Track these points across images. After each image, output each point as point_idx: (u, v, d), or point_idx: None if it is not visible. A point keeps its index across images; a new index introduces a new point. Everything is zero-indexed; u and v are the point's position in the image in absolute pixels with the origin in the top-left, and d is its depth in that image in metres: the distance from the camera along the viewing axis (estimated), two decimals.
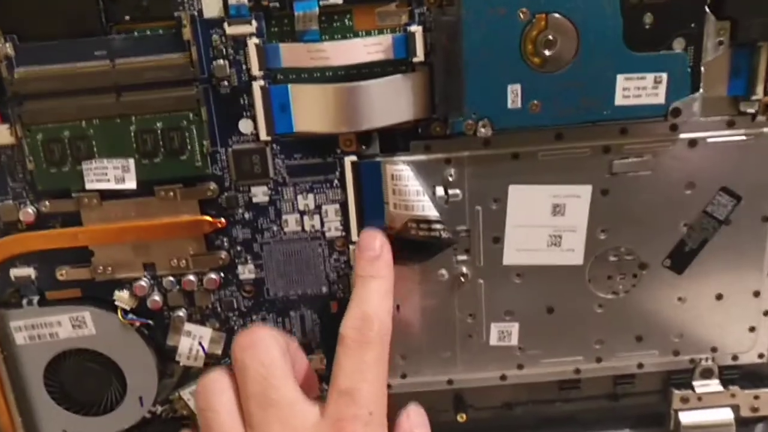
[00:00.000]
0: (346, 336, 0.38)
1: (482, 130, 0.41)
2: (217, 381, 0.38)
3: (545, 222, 0.44)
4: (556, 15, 0.39)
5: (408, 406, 0.42)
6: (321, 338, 0.45)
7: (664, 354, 0.47)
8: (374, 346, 0.38)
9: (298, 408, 0.37)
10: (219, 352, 0.45)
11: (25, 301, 0.43)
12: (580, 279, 0.45)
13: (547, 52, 0.39)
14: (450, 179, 0.43)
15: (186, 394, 0.45)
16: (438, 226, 0.42)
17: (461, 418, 0.47)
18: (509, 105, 0.41)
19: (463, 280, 0.45)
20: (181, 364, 0.45)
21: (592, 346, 0.47)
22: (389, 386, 0.46)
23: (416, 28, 0.39)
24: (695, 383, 0.48)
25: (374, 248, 0.41)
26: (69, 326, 0.44)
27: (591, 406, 0.48)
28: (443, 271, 0.45)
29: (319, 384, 0.44)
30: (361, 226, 0.43)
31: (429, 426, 0.42)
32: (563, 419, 0.49)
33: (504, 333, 0.46)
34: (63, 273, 0.43)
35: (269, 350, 0.37)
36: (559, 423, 0.49)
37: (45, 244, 0.42)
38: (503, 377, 0.47)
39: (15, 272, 0.43)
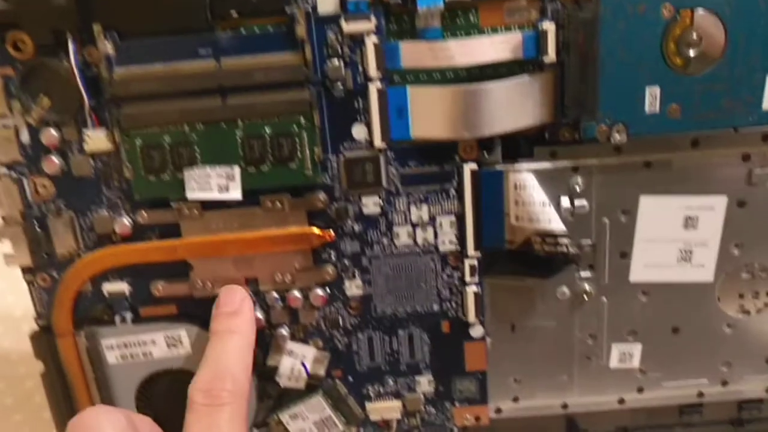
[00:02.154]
0: (194, 400, 0.32)
1: (617, 135, 0.35)
2: None
3: (676, 235, 0.38)
4: (703, 11, 0.33)
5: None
6: (430, 359, 0.39)
7: None
8: (227, 407, 0.32)
9: None
10: (322, 372, 0.39)
11: (117, 318, 0.38)
12: (710, 297, 0.39)
13: (690, 52, 0.34)
14: (576, 189, 0.37)
15: (285, 417, 0.40)
16: (565, 240, 0.36)
17: None
18: (646, 109, 0.35)
19: (585, 298, 0.39)
20: (281, 385, 0.39)
21: (718, 368, 0.41)
22: (500, 410, 0.41)
23: (549, 25, 0.34)
24: None
25: (233, 303, 0.35)
26: (164, 345, 0.38)
27: (713, 431, 0.43)
28: (564, 289, 0.39)
29: None
30: (478, 240, 0.38)
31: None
32: None
33: (625, 354, 0.40)
34: (159, 288, 0.37)
35: (103, 429, 0.31)
36: None
37: (141, 258, 0.37)
38: (621, 401, 0.41)
39: (108, 287, 0.37)
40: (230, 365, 0.33)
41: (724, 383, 0.41)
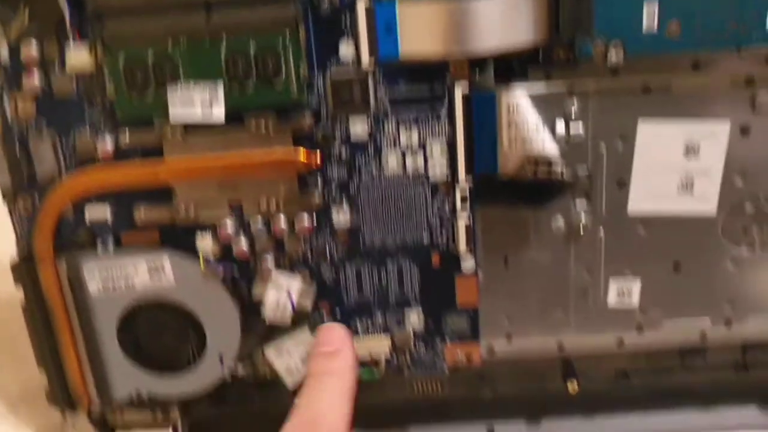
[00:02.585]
0: None
1: (613, 54, 0.34)
2: None
3: (676, 164, 0.37)
4: None
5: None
6: (420, 293, 0.38)
7: None
8: None
9: None
10: (308, 305, 0.38)
11: (99, 245, 0.37)
12: (712, 231, 0.38)
13: None
14: (572, 114, 0.36)
15: (270, 352, 0.39)
16: (559, 165, 0.35)
17: (572, 385, 0.40)
18: (644, 26, 0.34)
19: (581, 230, 0.38)
20: (266, 319, 0.38)
21: (721, 307, 0.39)
22: (492, 349, 0.40)
23: None
24: None
25: (332, 343, 0.33)
26: (146, 274, 0.38)
27: (716, 376, 0.40)
28: (559, 220, 0.38)
29: None
30: (469, 166, 0.37)
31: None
32: (684, 392, 0.41)
33: (624, 291, 0.39)
34: (141, 213, 0.37)
35: None
36: (679, 396, 0.41)
37: (122, 179, 0.36)
38: (620, 342, 0.40)
39: (90, 212, 0.37)
40: (325, 411, 0.31)
41: (728, 323, 0.39)
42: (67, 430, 0.42)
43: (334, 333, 0.34)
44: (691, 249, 0.38)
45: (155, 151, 0.36)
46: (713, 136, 0.36)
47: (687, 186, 0.37)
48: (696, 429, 0.41)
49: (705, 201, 0.37)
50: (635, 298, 0.39)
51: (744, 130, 0.36)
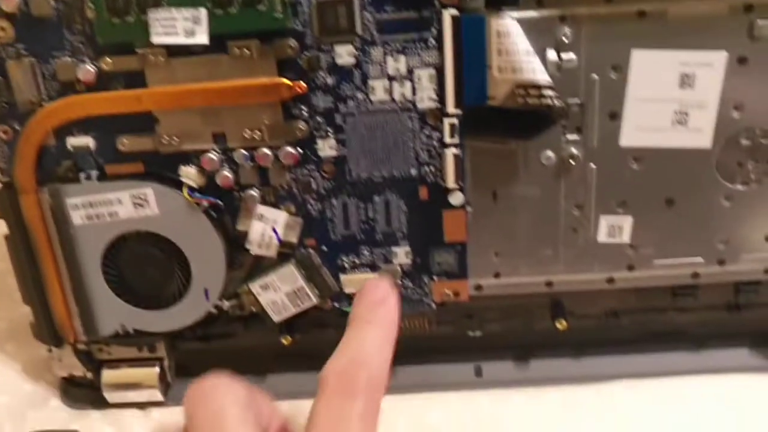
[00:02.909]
0: (327, 382, 0.29)
1: None
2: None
3: (671, 95, 0.36)
4: None
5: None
6: (408, 228, 0.37)
7: None
8: (360, 398, 0.29)
9: None
10: (294, 239, 0.37)
11: (83, 176, 0.37)
12: (707, 165, 0.37)
13: None
14: (564, 41, 0.35)
15: (256, 287, 0.38)
16: (550, 92, 0.34)
17: (560, 325, 0.40)
18: None
19: (572, 163, 0.37)
20: (252, 252, 0.37)
21: (715, 245, 0.38)
22: (480, 286, 0.40)
23: None
24: None
25: (377, 293, 0.32)
26: (130, 205, 0.37)
27: (707, 317, 0.40)
28: (549, 153, 0.37)
29: None
30: (459, 96, 0.36)
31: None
32: (675, 331, 0.40)
33: (615, 228, 0.38)
34: (124, 142, 0.36)
35: (221, 399, 0.30)
36: (670, 336, 0.41)
37: (105, 108, 0.35)
38: (610, 280, 0.39)
39: (72, 141, 0.36)
40: (366, 355, 0.30)
41: (721, 262, 0.38)
42: (53, 365, 0.42)
43: (381, 284, 0.34)
44: (685, 185, 0.37)
45: (138, 81, 0.35)
46: (709, 66, 0.35)
47: (681, 118, 0.36)
48: (687, 370, 0.40)
49: (700, 134, 0.36)
50: (626, 236, 0.38)
51: (741, 60, 0.35)
